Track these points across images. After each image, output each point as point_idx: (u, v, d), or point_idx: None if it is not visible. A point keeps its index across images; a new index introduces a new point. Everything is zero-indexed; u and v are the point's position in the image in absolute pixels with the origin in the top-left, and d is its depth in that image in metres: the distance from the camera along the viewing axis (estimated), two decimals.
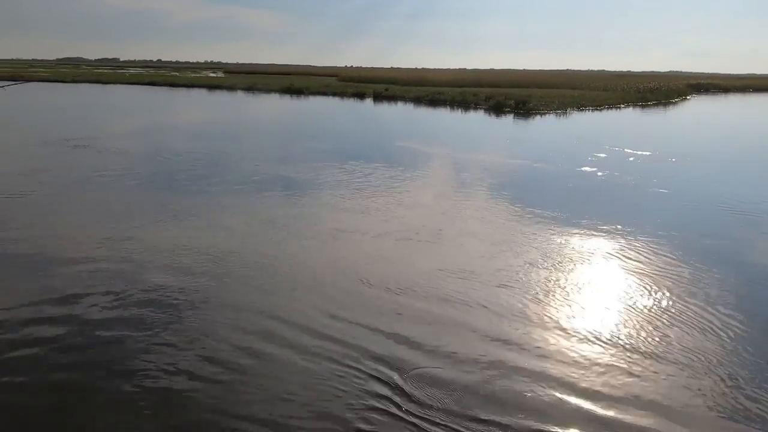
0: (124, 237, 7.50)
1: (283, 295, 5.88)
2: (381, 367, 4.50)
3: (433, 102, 35.08)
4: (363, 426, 3.81)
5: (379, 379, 4.34)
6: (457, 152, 16.11)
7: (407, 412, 3.98)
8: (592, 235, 8.01)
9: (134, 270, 6.39)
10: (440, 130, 22.87)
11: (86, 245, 7.15)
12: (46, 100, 34.20)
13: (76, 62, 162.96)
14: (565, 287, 6.14)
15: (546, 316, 5.47)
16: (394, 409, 4.00)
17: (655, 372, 4.52)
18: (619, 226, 8.40)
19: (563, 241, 7.66)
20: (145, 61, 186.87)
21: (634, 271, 6.63)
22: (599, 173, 12.86)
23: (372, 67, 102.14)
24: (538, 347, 4.88)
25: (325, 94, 42.38)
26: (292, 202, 9.67)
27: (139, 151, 15.13)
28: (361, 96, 40.07)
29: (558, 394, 4.21)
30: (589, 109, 32.41)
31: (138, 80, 54.12)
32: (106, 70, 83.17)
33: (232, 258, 6.83)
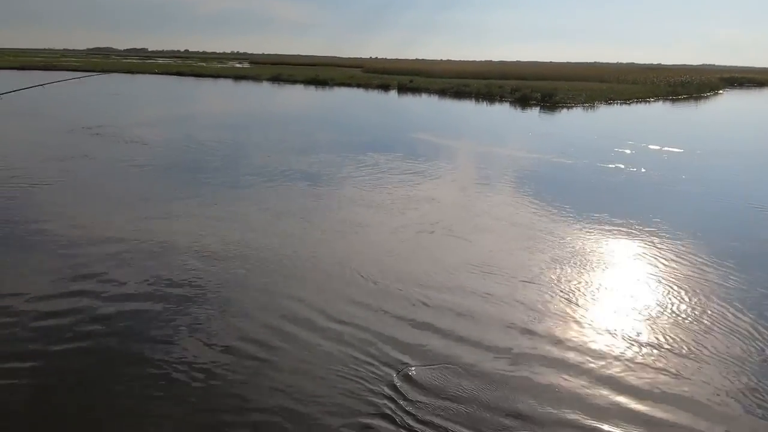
0: (147, 222, 7.64)
1: (305, 282, 5.92)
2: (403, 356, 4.53)
3: (458, 94, 34.82)
4: (387, 412, 3.84)
5: (401, 369, 4.37)
6: (480, 146, 16.00)
7: (424, 404, 3.99)
8: (618, 232, 7.88)
9: (160, 253, 6.50)
10: (463, 123, 22.72)
11: (112, 229, 7.29)
12: (78, 89, 34.83)
13: (106, 52, 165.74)
14: (590, 284, 6.07)
15: (573, 312, 5.42)
16: (417, 398, 4.02)
17: (685, 371, 4.45)
18: (645, 225, 8.23)
19: (585, 238, 7.56)
20: (173, 52, 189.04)
21: (661, 271, 6.51)
22: (626, 169, 12.64)
23: (396, 59, 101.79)
24: (568, 341, 4.85)
25: (349, 85, 42.37)
26: (313, 193, 9.71)
27: (165, 139, 15.36)
28: (385, 87, 39.97)
29: (586, 388, 4.19)
30: (617, 103, 31.84)
31: (165, 70, 54.80)
32: (134, 60, 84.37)
33: (254, 246, 6.90)
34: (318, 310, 5.31)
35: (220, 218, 8.04)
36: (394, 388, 4.13)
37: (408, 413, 3.86)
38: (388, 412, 3.88)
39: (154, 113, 21.98)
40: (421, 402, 3.99)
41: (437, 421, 3.80)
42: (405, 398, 4.02)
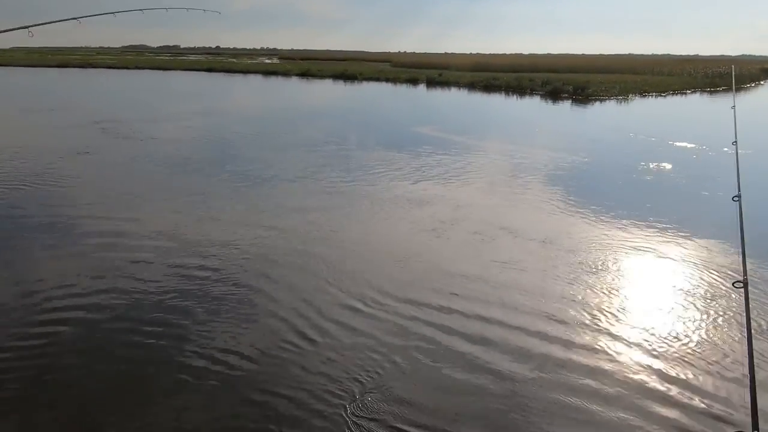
0: (176, 216, 7.73)
1: (338, 274, 5.89)
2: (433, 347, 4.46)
3: (488, 88, 34.39)
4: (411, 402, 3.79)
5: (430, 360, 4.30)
6: (509, 144, 15.76)
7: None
8: (648, 235, 7.65)
9: (190, 247, 6.56)
10: (489, 118, 22.44)
11: (142, 222, 7.40)
12: (111, 85, 35.64)
13: (139, 50, 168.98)
14: (619, 288, 5.90)
15: (607, 316, 5.27)
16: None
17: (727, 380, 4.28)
18: (678, 228, 7.98)
19: (610, 242, 7.36)
20: (204, 48, 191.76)
21: (696, 278, 6.29)
22: (657, 166, 12.28)
23: (425, 53, 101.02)
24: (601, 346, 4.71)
25: (378, 79, 42.27)
26: (339, 189, 9.69)
27: (195, 134, 15.54)
28: (414, 82, 39.75)
29: (620, 389, 4.06)
30: (652, 95, 31.03)
31: (197, 66, 55.59)
32: (167, 57, 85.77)
33: (284, 240, 6.91)
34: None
35: (243, 211, 8.09)
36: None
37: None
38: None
39: (182, 109, 22.27)
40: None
41: None
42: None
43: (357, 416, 3.74)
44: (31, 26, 6.97)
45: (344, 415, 3.75)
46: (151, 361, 4.37)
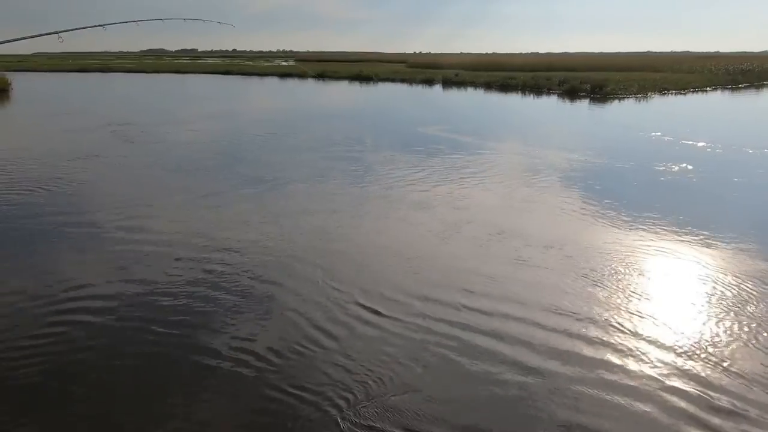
0: (193, 215, 7.81)
1: (355, 273, 5.91)
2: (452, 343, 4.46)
3: (504, 87, 34.22)
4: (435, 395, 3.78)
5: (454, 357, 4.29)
6: (526, 145, 15.66)
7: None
8: (673, 237, 7.53)
9: (209, 244, 6.62)
10: (504, 119, 22.31)
11: (160, 221, 7.49)
12: (129, 89, 36.16)
13: (157, 53, 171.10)
14: (645, 290, 5.83)
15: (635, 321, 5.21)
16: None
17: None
18: (706, 231, 7.85)
19: (633, 243, 7.26)
20: (222, 51, 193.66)
21: (724, 281, 6.18)
22: (679, 167, 12.10)
23: (441, 53, 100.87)
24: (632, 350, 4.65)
25: (393, 80, 42.31)
26: (353, 190, 9.71)
27: (211, 135, 15.70)
28: (429, 82, 39.71)
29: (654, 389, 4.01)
30: (671, 93, 30.62)
31: (214, 70, 56.13)
32: (185, 61, 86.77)
33: (304, 238, 6.95)
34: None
35: (258, 212, 8.15)
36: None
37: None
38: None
39: (200, 111, 22.49)
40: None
41: None
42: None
43: (377, 415, 3.74)
44: (61, 32, 7.20)
45: (365, 413, 3.75)
46: (172, 356, 4.42)
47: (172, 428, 3.63)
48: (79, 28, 8.17)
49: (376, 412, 3.76)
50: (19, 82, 32.10)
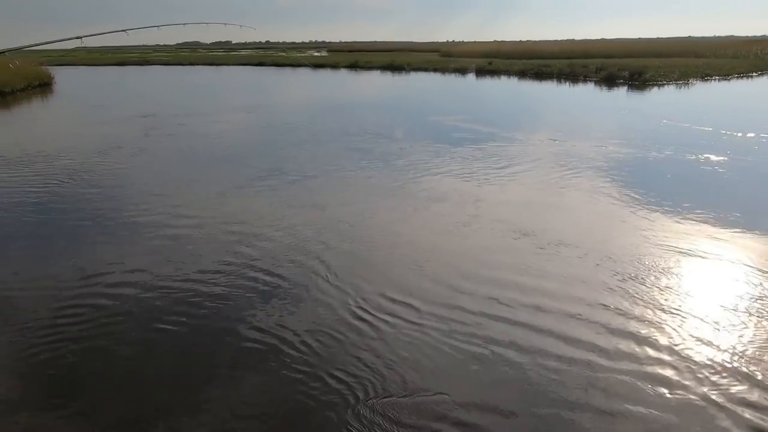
0: (230, 204, 7.93)
1: (388, 267, 5.92)
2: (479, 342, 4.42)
3: (539, 75, 33.59)
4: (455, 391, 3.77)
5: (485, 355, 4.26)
6: (561, 135, 15.36)
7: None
8: (718, 235, 7.30)
9: (243, 230, 6.73)
10: (538, 109, 21.91)
11: (194, 208, 7.63)
12: (166, 81, 36.85)
13: (193, 46, 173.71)
14: (686, 289, 5.67)
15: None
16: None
17: None
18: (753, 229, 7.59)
19: (673, 240, 7.06)
20: (255, 43, 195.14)
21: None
22: (720, 159, 11.70)
23: (474, 41, 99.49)
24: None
25: (426, 69, 41.98)
26: (384, 181, 9.71)
27: (245, 126, 15.90)
28: (462, 71, 39.27)
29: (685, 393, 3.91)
30: (715, 79, 29.56)
31: (248, 61, 56.67)
32: (219, 53, 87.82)
33: (339, 225, 6.99)
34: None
35: (291, 204, 8.22)
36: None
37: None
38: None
39: (236, 102, 22.78)
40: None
41: None
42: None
43: (410, 405, 3.75)
44: (84, 37, 7.40)
45: (399, 402, 3.77)
46: (209, 341, 4.52)
47: (209, 401, 3.72)
48: (102, 33, 8.43)
49: (411, 403, 3.77)
50: (61, 75, 33.08)
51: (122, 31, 9.10)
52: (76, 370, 4.18)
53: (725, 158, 10.81)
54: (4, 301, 5.23)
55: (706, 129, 14.36)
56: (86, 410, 3.74)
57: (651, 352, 4.28)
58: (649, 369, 4.08)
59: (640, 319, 4.74)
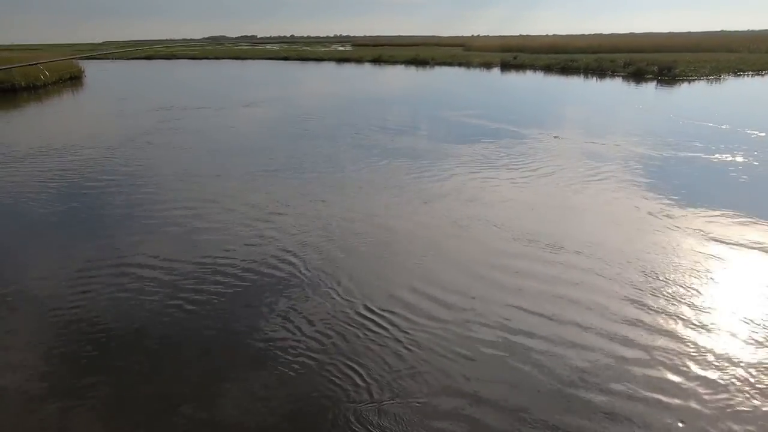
0: (256, 197, 8.00)
1: (411, 265, 5.92)
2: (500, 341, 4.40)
3: (565, 70, 33.09)
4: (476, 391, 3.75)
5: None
6: (587, 134, 15.13)
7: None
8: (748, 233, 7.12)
9: (270, 228, 6.78)
10: (563, 106, 21.59)
11: (224, 198, 7.71)
12: (192, 74, 37.26)
13: (218, 40, 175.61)
14: (717, 288, 5.55)
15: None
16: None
17: None
18: None
19: (702, 238, 6.91)
20: (280, 37, 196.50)
21: None
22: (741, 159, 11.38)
23: (500, 36, 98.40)
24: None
25: (450, 64, 41.68)
26: (408, 180, 9.68)
27: (269, 119, 16.01)
28: (487, 66, 38.88)
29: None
30: (748, 74, 28.75)
31: (273, 55, 57.01)
32: (244, 47, 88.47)
33: (364, 221, 7.01)
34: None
35: (312, 198, 8.25)
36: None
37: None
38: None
39: (261, 95, 22.97)
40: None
41: None
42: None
43: (433, 404, 3.75)
44: (113, 53, 7.51)
45: (421, 399, 3.77)
46: (234, 332, 4.58)
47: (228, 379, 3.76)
48: (130, 58, 8.52)
49: (433, 402, 3.77)
50: (91, 69, 33.71)
51: (146, 58, 9.20)
52: (111, 354, 4.27)
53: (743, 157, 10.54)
54: (28, 290, 5.38)
55: (741, 129, 14.02)
56: (111, 399, 3.84)
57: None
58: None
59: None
